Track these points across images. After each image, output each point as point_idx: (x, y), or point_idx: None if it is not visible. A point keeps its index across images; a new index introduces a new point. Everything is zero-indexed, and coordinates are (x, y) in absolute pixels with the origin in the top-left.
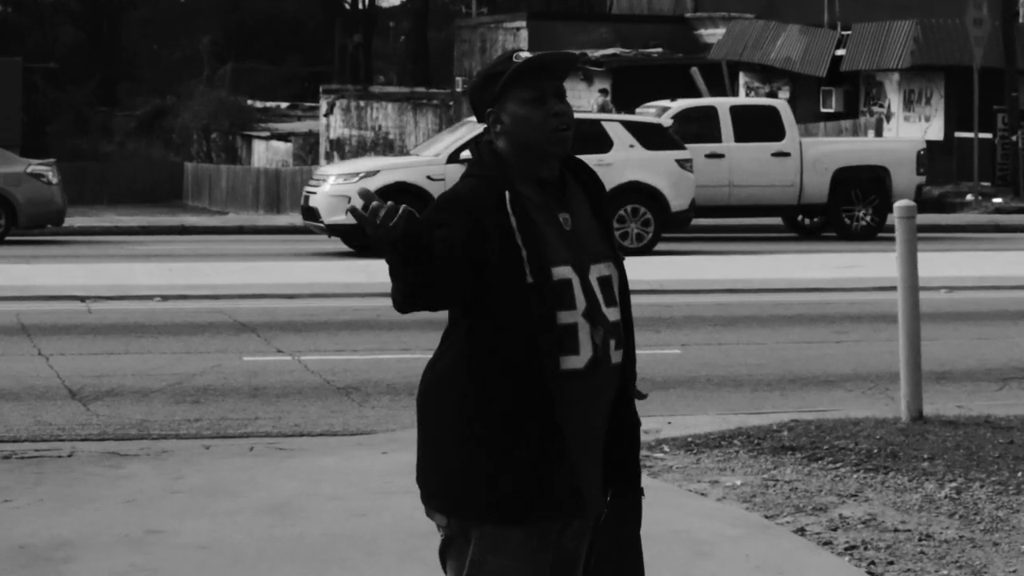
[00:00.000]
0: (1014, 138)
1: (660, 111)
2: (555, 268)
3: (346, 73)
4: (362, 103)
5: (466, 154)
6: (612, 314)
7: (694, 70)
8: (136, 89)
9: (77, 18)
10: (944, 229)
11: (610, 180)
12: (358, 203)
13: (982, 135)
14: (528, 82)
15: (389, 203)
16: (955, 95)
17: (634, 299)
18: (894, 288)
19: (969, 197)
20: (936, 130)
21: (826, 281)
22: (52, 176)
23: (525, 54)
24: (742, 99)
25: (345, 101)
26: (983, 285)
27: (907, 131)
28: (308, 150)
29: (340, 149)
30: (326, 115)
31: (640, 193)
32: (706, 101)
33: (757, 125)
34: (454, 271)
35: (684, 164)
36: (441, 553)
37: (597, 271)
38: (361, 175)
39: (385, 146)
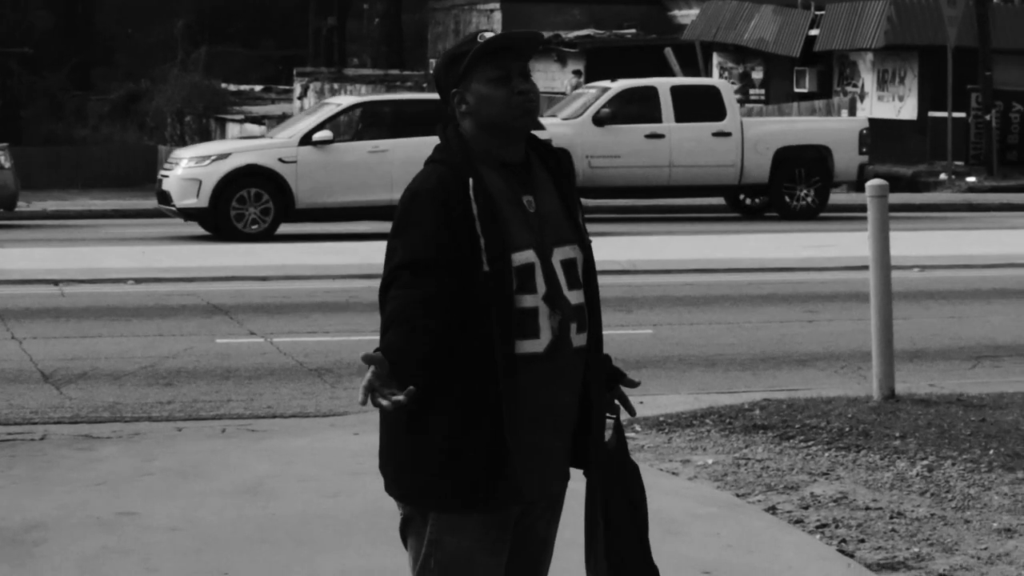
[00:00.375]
0: (988, 117)
1: (600, 91)
2: (517, 253)
3: (320, 56)
4: (336, 85)
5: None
6: (575, 297)
7: (668, 51)
8: (111, 73)
9: (52, 2)
10: (917, 208)
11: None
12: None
13: (956, 114)
14: (493, 61)
15: (398, 398)
16: (929, 74)
17: (605, 279)
18: (866, 268)
19: (943, 176)
20: (910, 109)
21: (798, 260)
22: (4, 160)
23: (490, 33)
24: (683, 79)
25: (319, 84)
26: (956, 264)
27: (881, 110)
28: None
29: None
30: (300, 98)
31: None
32: (646, 81)
33: (698, 105)
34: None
35: None
36: (401, 531)
37: (561, 254)
38: (213, 158)
39: None
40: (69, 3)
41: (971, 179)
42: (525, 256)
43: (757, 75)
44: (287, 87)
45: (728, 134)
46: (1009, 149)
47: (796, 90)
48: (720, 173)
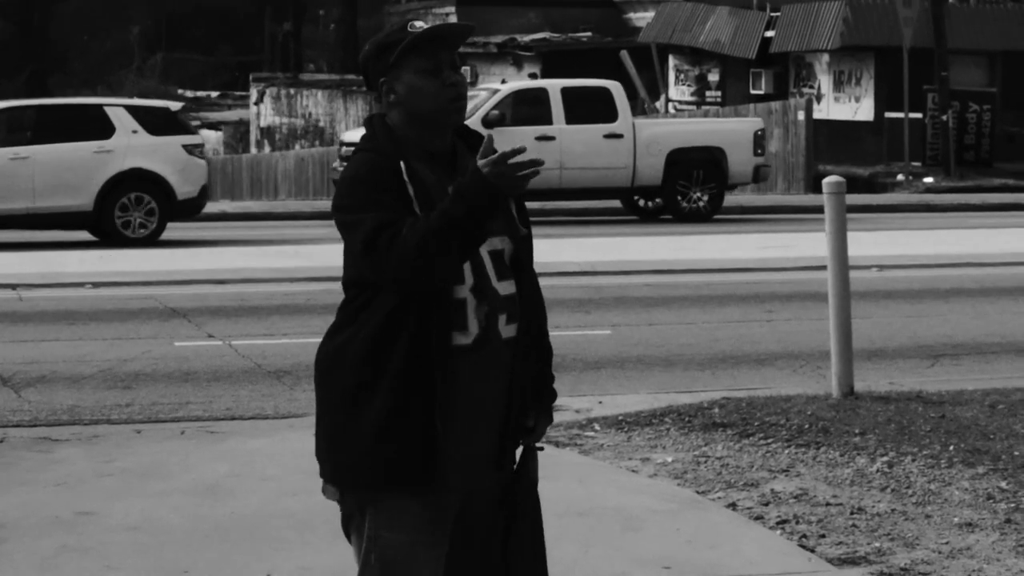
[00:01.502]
0: (944, 117)
1: (491, 93)
2: None
3: (276, 62)
4: (292, 91)
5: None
6: (504, 288)
7: (623, 53)
8: (67, 81)
9: (7, 10)
10: (875, 209)
11: (111, 168)
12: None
13: (912, 115)
14: (424, 52)
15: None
16: (885, 75)
17: (563, 280)
18: (825, 268)
19: (900, 177)
20: (866, 110)
21: (755, 261)
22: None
23: (420, 24)
24: (575, 81)
25: (275, 89)
26: (914, 264)
27: (837, 112)
28: (239, 139)
29: (271, 137)
30: (256, 103)
31: (143, 180)
32: (537, 83)
33: (590, 107)
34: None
35: (192, 150)
36: (344, 528)
37: (489, 244)
38: None
39: (315, 133)
40: (24, 11)
41: (928, 180)
42: None
43: (713, 77)
44: (244, 93)
45: (620, 136)
46: (966, 149)
47: (752, 92)
48: (612, 176)
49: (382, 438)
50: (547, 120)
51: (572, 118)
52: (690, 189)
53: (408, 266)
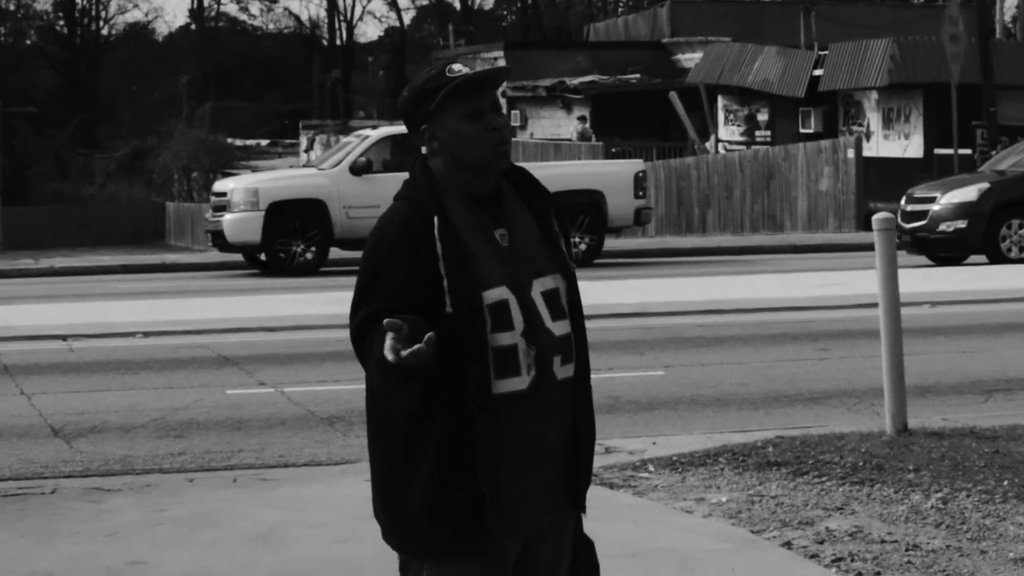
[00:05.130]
0: (993, 153)
1: (360, 140)
2: (488, 291)
3: (325, 109)
4: (342, 138)
5: None
6: (559, 328)
7: (673, 95)
8: (115, 131)
9: (55, 62)
10: None
11: None
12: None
13: (962, 151)
14: (465, 96)
15: (428, 336)
16: (934, 112)
17: (614, 322)
18: (876, 305)
19: None
20: (916, 147)
21: (807, 300)
22: None
23: (458, 66)
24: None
25: (325, 136)
26: (966, 299)
27: (887, 149)
28: None
29: None
30: (306, 151)
31: None
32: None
33: None
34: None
35: None
36: (401, 572)
37: (541, 285)
38: None
39: None
40: (73, 62)
41: None
42: (498, 293)
43: (762, 116)
44: (293, 140)
45: None
46: None
47: (802, 130)
48: None
49: (430, 514)
50: None
51: None
52: (573, 233)
53: (376, 376)
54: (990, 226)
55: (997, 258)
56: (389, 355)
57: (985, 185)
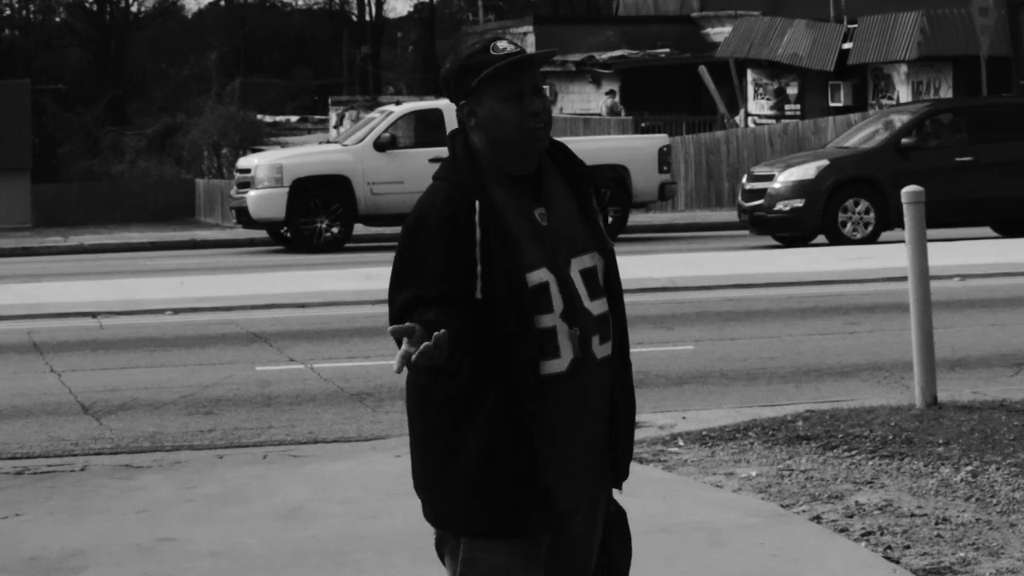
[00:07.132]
0: None
1: (383, 115)
2: (530, 273)
3: (355, 84)
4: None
5: None
6: (597, 307)
7: (702, 69)
8: (145, 108)
9: (84, 39)
10: None
11: None
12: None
13: None
14: (506, 78)
15: (436, 335)
16: (963, 85)
17: (643, 297)
18: (905, 278)
19: None
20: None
21: (836, 273)
22: None
23: (503, 43)
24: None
25: (355, 112)
26: (997, 272)
27: None
28: None
29: None
30: (336, 127)
31: None
32: (431, 104)
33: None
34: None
35: None
36: (437, 548)
37: (579, 264)
38: None
39: None
40: (102, 39)
41: None
42: (538, 275)
43: (792, 90)
44: (323, 116)
45: None
46: None
47: (831, 104)
48: None
49: (477, 492)
50: (441, 141)
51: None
52: (606, 210)
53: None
54: (828, 205)
55: (837, 239)
56: (396, 364)
57: (824, 162)
